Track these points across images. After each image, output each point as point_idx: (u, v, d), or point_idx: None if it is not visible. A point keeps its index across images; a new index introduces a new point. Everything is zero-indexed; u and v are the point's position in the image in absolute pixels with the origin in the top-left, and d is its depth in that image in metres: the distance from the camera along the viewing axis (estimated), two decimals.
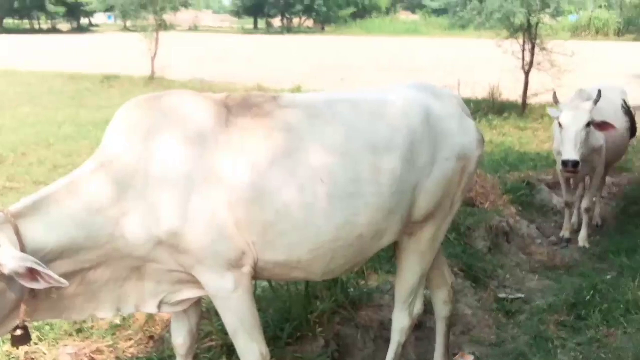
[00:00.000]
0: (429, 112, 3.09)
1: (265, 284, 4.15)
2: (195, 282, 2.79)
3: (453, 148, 3.12)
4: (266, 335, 3.63)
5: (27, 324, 2.53)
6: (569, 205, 6.77)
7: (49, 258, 2.45)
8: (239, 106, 2.81)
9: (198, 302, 3.12)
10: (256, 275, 2.86)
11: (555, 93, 6.43)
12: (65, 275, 2.46)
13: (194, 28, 54.49)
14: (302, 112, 2.86)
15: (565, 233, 6.74)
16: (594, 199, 6.99)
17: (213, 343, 3.72)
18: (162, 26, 18.90)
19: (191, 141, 2.66)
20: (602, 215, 7.35)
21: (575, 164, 5.77)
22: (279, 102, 2.88)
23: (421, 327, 4.46)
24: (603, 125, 5.96)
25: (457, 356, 4.29)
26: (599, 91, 6.01)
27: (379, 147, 2.89)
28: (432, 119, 3.08)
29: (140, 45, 18.55)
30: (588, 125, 5.85)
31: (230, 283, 2.72)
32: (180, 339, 3.16)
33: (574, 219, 7.02)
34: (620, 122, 6.67)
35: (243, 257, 2.71)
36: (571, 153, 5.80)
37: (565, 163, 5.84)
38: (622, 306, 4.44)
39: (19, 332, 2.51)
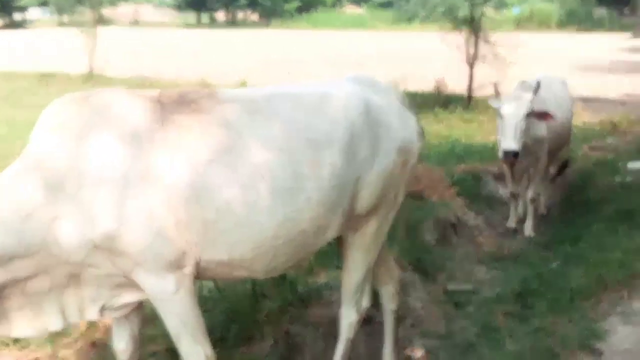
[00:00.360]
0: (369, 105, 3.06)
1: (210, 284, 4.05)
2: (135, 286, 2.69)
3: (393, 141, 3.09)
4: (212, 337, 3.52)
5: None
6: (514, 196, 6.86)
7: None
8: (175, 103, 2.71)
9: (139, 306, 3.00)
10: (198, 275, 2.77)
11: (496, 85, 6.49)
12: (3, 287, 2.37)
13: (134, 23, 53.46)
14: (241, 108, 2.79)
15: (511, 223, 6.84)
16: (539, 189, 7.11)
17: (158, 347, 3.61)
18: (101, 21, 18.37)
19: (125, 140, 2.55)
20: (547, 204, 7.50)
21: (515, 153, 5.87)
22: (216, 98, 2.80)
23: (371, 322, 4.42)
24: (543, 115, 6.06)
25: (407, 350, 4.28)
26: (538, 82, 6.12)
27: (318, 142, 2.84)
28: (372, 112, 3.05)
29: (78, 41, 18.01)
30: (528, 115, 5.94)
31: (171, 285, 2.63)
32: (122, 344, 3.05)
33: (520, 209, 7.12)
34: (563, 112, 6.82)
35: (184, 258, 2.62)
36: (511, 143, 5.89)
37: (505, 153, 5.93)
38: (566, 294, 4.53)
39: None
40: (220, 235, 2.65)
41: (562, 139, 7.10)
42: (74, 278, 2.64)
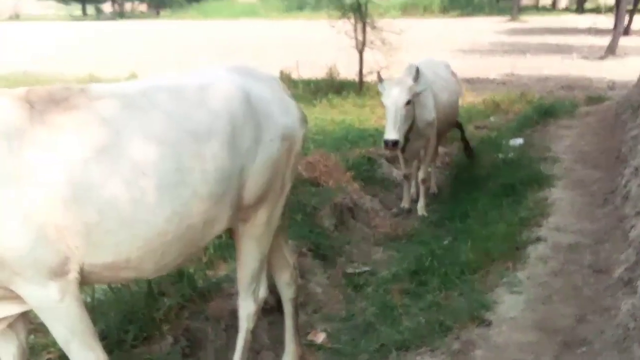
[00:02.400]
0: (249, 95, 3.04)
1: (104, 286, 3.92)
2: (15, 297, 2.54)
3: (276, 129, 3.10)
4: (109, 340, 3.46)
5: None
6: (407, 177, 7.09)
7: None
8: (45, 101, 2.55)
9: (25, 314, 2.85)
10: (84, 280, 2.65)
11: (379, 72, 6.59)
12: None
13: (15, 17, 50.52)
14: (116, 103, 2.68)
15: (405, 204, 7.05)
16: (429, 170, 7.39)
17: (50, 356, 3.46)
18: None
19: None
20: (438, 184, 7.79)
21: (395, 142, 5.97)
22: (88, 94, 2.66)
23: (273, 311, 4.46)
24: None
25: (309, 335, 4.35)
26: (417, 67, 6.25)
27: (200, 134, 2.79)
28: (253, 101, 3.04)
29: None
30: (408, 103, 6.04)
31: (55, 293, 2.50)
32: (9, 356, 2.88)
33: (413, 189, 7.38)
34: (450, 93, 7.09)
35: (67, 263, 2.50)
36: (390, 132, 5.99)
37: (385, 142, 6.02)
38: (457, 269, 4.72)
39: None
40: (104, 237, 2.54)
41: (450, 119, 7.38)
42: None
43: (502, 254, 4.76)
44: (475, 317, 3.91)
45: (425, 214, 6.86)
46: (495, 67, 17.78)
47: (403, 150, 6.51)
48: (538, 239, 4.95)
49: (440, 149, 8.56)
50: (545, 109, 10.45)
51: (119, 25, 41.02)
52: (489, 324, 3.85)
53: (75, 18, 51.23)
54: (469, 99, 12.66)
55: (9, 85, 2.74)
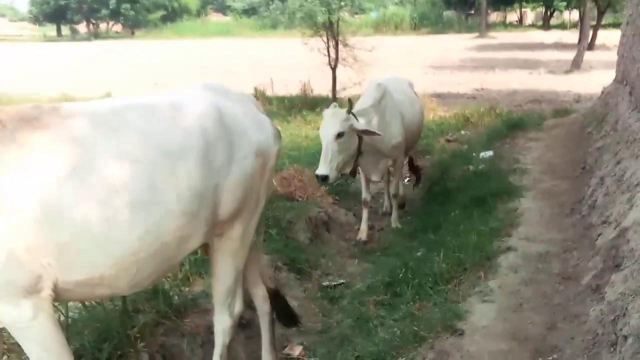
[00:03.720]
0: (222, 112, 3.07)
1: (78, 304, 3.91)
2: None
3: (250, 145, 3.14)
4: (84, 359, 3.44)
5: None
6: (366, 203, 6.82)
7: None
8: (15, 120, 2.53)
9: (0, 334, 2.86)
10: (58, 297, 2.64)
11: (350, 100, 6.11)
12: None
13: None
14: (87, 122, 2.68)
15: (362, 235, 6.67)
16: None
17: None
18: None
19: None
20: (410, 196, 7.89)
21: (324, 177, 5.71)
22: (59, 112, 2.66)
23: (249, 326, 4.47)
24: (367, 132, 5.91)
25: (286, 348, 4.37)
26: (350, 101, 6.01)
27: (172, 152, 2.80)
28: (226, 119, 3.07)
29: None
30: (339, 136, 5.75)
31: (28, 311, 2.49)
32: None
33: (386, 202, 7.47)
34: (414, 111, 7.06)
35: (39, 282, 2.49)
36: (321, 167, 5.74)
37: (315, 176, 5.84)
38: (430, 279, 4.75)
39: None
40: (77, 255, 2.54)
41: (415, 135, 7.36)
42: None
43: (474, 264, 4.81)
44: (449, 327, 3.94)
45: (399, 225, 6.89)
46: (465, 82, 18.06)
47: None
48: (508, 249, 5.01)
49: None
50: (514, 122, 10.62)
51: (94, 46, 40.85)
52: (462, 333, 3.88)
53: (49, 39, 50.91)
54: (439, 113, 12.84)
55: None
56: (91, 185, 2.55)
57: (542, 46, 30.02)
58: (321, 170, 5.72)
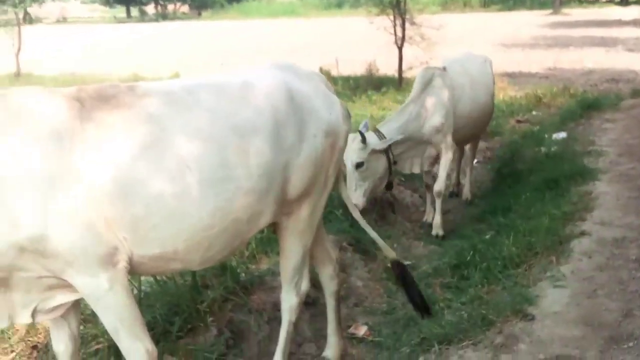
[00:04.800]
0: (292, 91, 3.08)
1: (151, 279, 4.03)
2: (67, 286, 2.64)
3: (319, 125, 3.13)
4: (156, 331, 3.55)
5: None
6: (428, 187, 6.62)
7: None
8: (94, 99, 2.63)
9: (77, 304, 2.96)
10: (133, 270, 2.74)
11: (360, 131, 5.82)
12: None
13: (62, 20, 51.95)
14: (162, 100, 2.74)
15: (427, 217, 6.57)
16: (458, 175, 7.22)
17: (99, 346, 3.56)
18: (27, 19, 17.93)
19: (44, 139, 2.47)
20: (479, 178, 7.73)
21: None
22: (136, 91, 2.74)
23: (315, 304, 4.50)
24: (389, 148, 5.83)
25: (351, 328, 4.37)
26: (365, 124, 5.95)
27: (244, 130, 2.83)
28: (296, 98, 3.07)
29: (2, 41, 17.41)
30: (359, 165, 5.73)
31: (105, 282, 2.58)
32: (61, 345, 2.99)
33: (453, 180, 7.31)
34: (484, 92, 6.77)
35: (116, 254, 2.59)
36: (352, 195, 5.66)
37: None
38: (499, 263, 4.67)
39: None
40: (151, 230, 2.62)
41: (484, 119, 7.07)
42: (2, 283, 2.58)
43: (545, 248, 4.70)
44: (519, 311, 3.86)
45: (441, 232, 6.18)
46: (537, 61, 17.52)
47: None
48: (582, 233, 4.87)
49: (482, 144, 8.49)
50: (589, 103, 10.26)
51: (161, 27, 41.71)
52: (532, 318, 3.80)
53: (119, 20, 52.35)
54: (510, 93, 12.53)
55: (58, 86, 2.83)
56: (165, 162, 2.62)
57: (619, 23, 28.72)
58: (354, 198, 5.68)
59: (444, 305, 4.36)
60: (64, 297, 2.71)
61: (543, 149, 7.80)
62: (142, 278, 3.89)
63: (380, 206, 6.41)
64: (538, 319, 3.79)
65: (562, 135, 8.32)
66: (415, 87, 6.25)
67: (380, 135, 5.91)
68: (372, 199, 6.27)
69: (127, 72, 16.75)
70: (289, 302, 3.46)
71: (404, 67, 13.69)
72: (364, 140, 5.72)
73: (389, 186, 6.26)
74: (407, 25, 13.36)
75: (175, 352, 3.55)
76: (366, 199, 5.84)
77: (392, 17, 13.47)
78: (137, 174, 2.56)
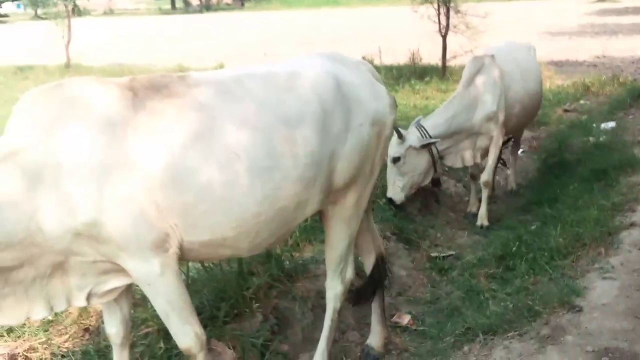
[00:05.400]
0: (339, 80, 3.09)
1: (198, 265, 4.11)
2: (121, 271, 2.72)
3: (366, 114, 3.13)
4: (203, 316, 3.62)
5: None
6: (474, 177, 6.54)
7: None
8: (146, 89, 2.71)
9: (128, 289, 3.05)
10: (183, 256, 2.81)
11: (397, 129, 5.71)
12: None
13: (109, 12, 53.02)
14: (212, 90, 2.80)
15: (472, 208, 6.50)
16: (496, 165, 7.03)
17: (149, 329, 3.66)
18: (75, 12, 18.33)
19: (98, 128, 2.56)
20: (525, 168, 7.60)
21: (390, 200, 5.75)
22: (187, 81, 2.80)
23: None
24: (428, 145, 5.80)
25: (394, 316, 4.38)
26: (418, 120, 5.93)
27: (291, 119, 2.87)
28: (343, 87, 3.08)
29: (53, 33, 17.85)
30: (396, 160, 5.73)
31: (157, 267, 2.66)
32: (113, 328, 3.09)
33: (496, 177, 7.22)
34: (529, 81, 6.59)
35: (167, 240, 2.66)
36: (389, 190, 5.78)
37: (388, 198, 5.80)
38: (546, 254, 4.61)
39: None
40: (200, 217, 2.68)
41: (535, 108, 6.92)
42: (59, 267, 2.67)
43: (593, 240, 4.62)
44: (566, 303, 3.82)
45: (486, 223, 6.08)
46: (585, 49, 17.09)
47: None
48: (632, 225, 4.77)
49: (528, 134, 8.36)
50: (639, 91, 9.96)
51: (205, 18, 42.15)
52: (580, 309, 3.75)
53: (164, 12, 53.15)
54: (557, 81, 12.27)
55: (107, 77, 2.91)
56: (214, 151, 2.67)
57: None
58: (389, 192, 5.78)
59: (489, 295, 4.34)
60: (117, 281, 2.79)
61: (591, 139, 7.64)
62: (190, 264, 3.98)
63: (424, 196, 6.37)
64: (586, 310, 3.74)
65: (611, 124, 8.12)
66: (465, 76, 6.18)
67: (423, 131, 5.85)
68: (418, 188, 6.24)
69: (172, 62, 16.96)
70: (334, 289, 3.48)
71: (447, 56, 13.52)
72: (400, 135, 5.70)
73: (436, 183, 6.25)
74: (451, 13, 13.17)
75: (222, 337, 3.62)
76: (405, 195, 5.82)
77: (436, 6, 13.28)
78: (188, 162, 2.62)
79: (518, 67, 6.47)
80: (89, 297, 2.79)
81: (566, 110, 9.99)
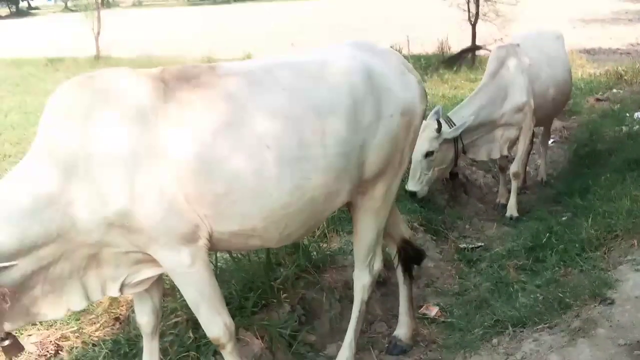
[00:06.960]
0: (370, 70, 3.06)
1: (226, 255, 4.14)
2: (152, 261, 2.75)
3: (396, 104, 3.10)
4: (231, 306, 3.65)
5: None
6: (502, 169, 6.48)
7: (5, 258, 2.40)
8: (177, 79, 2.72)
9: (159, 279, 3.09)
10: (213, 246, 2.82)
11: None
12: (29, 276, 2.49)
13: (138, 3, 53.51)
14: (241, 80, 2.80)
15: (501, 199, 6.45)
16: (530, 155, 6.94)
17: (178, 319, 3.69)
18: (105, 3, 18.61)
19: (130, 119, 2.58)
20: (555, 158, 7.49)
21: (412, 194, 5.62)
22: (216, 71, 2.81)
23: (386, 284, 4.52)
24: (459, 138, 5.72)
25: (422, 308, 4.37)
26: (438, 122, 5.66)
27: (321, 109, 2.85)
28: (373, 76, 3.05)
29: (83, 25, 18.09)
30: (429, 154, 5.61)
31: (187, 257, 2.68)
32: (144, 317, 3.13)
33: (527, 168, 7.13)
34: (558, 70, 6.47)
35: (197, 230, 2.68)
36: (410, 182, 5.64)
37: (405, 190, 5.66)
38: (577, 245, 4.53)
39: (6, 343, 2.55)
40: (231, 207, 2.69)
41: (563, 98, 6.78)
42: (94, 259, 2.72)
43: (626, 231, 4.52)
44: (597, 295, 3.75)
45: (516, 214, 6.05)
46: (619, 37, 16.76)
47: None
48: None
49: (559, 123, 8.23)
50: None
51: (233, 9, 42.28)
52: (611, 302, 3.68)
53: (192, 3, 53.45)
54: (589, 70, 12.04)
55: (136, 68, 2.93)
56: (244, 141, 2.67)
57: None
58: (410, 186, 5.63)
59: (518, 287, 4.29)
60: (149, 272, 2.82)
61: (624, 129, 7.50)
62: (218, 254, 4.01)
63: (453, 187, 6.33)
64: (618, 303, 3.67)
65: None
66: (489, 67, 6.09)
67: (452, 124, 5.76)
68: (444, 180, 6.21)
69: (200, 53, 17.04)
70: (362, 280, 3.47)
71: (477, 44, 13.37)
72: (439, 129, 5.58)
73: (454, 176, 6.17)
74: (481, 1, 13.02)
75: (250, 327, 3.64)
76: (426, 190, 5.74)
77: None
78: (218, 152, 2.63)
79: (545, 56, 6.36)
80: (122, 288, 2.83)
81: (598, 100, 9.81)
